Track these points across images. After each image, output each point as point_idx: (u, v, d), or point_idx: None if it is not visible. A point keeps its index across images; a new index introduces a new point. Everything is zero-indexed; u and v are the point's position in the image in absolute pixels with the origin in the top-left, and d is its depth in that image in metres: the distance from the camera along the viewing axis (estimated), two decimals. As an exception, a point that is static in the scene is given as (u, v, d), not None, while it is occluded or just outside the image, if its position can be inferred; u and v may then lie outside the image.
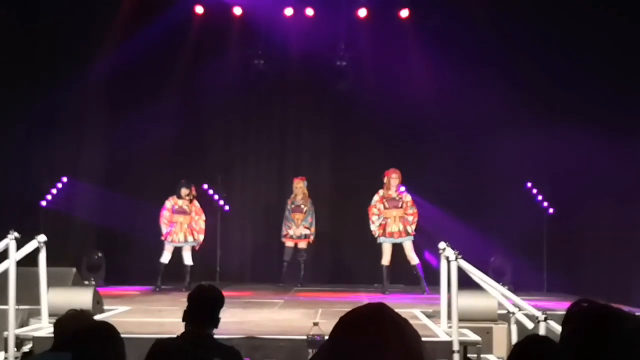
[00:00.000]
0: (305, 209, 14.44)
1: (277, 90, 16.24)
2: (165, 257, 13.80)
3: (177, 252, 13.93)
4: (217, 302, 4.98)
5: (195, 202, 14.01)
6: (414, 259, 13.27)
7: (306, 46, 15.60)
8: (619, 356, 1.99)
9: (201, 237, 13.97)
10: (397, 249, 13.47)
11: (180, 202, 13.84)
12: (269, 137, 16.17)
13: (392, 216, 13.37)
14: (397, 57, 15.40)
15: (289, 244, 14.48)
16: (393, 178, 13.42)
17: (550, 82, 14.38)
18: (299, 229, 14.40)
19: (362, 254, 15.05)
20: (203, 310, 4.90)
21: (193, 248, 13.96)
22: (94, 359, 3.89)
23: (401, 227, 13.32)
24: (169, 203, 13.84)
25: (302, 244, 14.48)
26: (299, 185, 14.47)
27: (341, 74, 15.80)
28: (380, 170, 13.86)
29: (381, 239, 13.42)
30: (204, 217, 14.03)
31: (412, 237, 13.35)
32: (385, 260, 13.38)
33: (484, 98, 14.67)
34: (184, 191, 13.82)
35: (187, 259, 13.86)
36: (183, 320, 4.90)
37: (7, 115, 13.95)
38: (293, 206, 14.46)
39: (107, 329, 4.05)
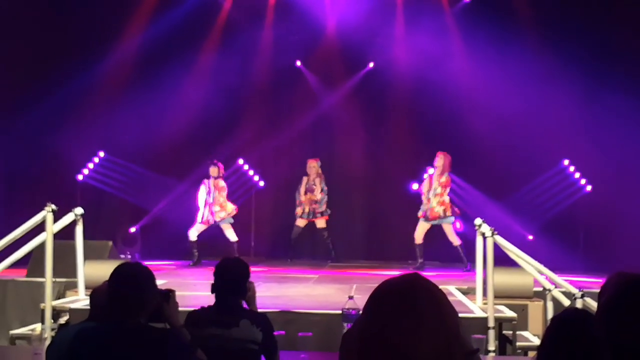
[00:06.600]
0: (317, 189, 14.39)
1: (312, 66, 16.18)
2: (192, 235, 13.77)
3: (220, 229, 13.94)
4: (243, 274, 5.05)
5: (220, 181, 13.93)
6: (455, 241, 13.18)
7: (341, 22, 15.53)
8: None
9: (230, 208, 13.90)
10: (438, 228, 13.38)
11: (211, 182, 13.80)
12: (303, 114, 16.09)
13: (429, 198, 13.22)
14: (432, 35, 15.24)
15: (300, 222, 14.44)
16: (437, 159, 13.22)
17: (589, 55, 14.14)
18: (307, 208, 14.37)
19: (395, 231, 14.99)
20: (229, 283, 4.99)
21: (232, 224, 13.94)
22: (128, 294, 4.01)
23: (439, 210, 13.15)
24: (204, 185, 13.82)
25: (321, 223, 14.44)
26: (313, 165, 14.43)
27: (376, 50, 15.74)
28: (412, 148, 13.81)
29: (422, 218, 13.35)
30: (224, 194, 13.91)
31: (450, 219, 13.20)
32: (417, 237, 13.32)
33: (520, 75, 14.48)
34: (211, 170, 13.82)
35: (231, 236, 13.89)
36: (212, 292, 5.00)
37: (45, 89, 14.03)
38: (308, 186, 14.41)
39: (141, 269, 4.17)
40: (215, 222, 13.78)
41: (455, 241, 13.14)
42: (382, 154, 15.77)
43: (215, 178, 13.80)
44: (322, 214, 14.37)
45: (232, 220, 13.93)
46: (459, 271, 12.75)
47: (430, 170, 13.39)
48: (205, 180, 13.82)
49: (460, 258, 13.12)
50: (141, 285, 4.05)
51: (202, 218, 13.74)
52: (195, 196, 13.87)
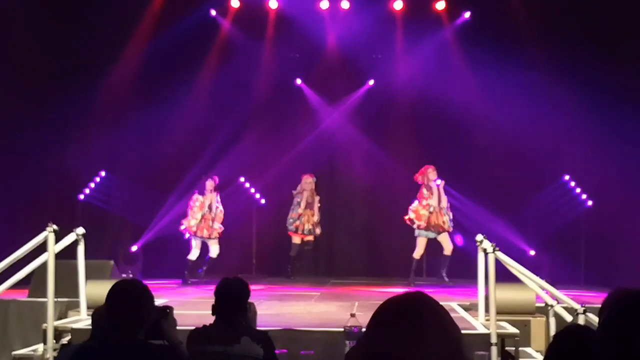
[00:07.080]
0: (314, 205, 14.47)
1: (312, 83, 16.22)
2: (194, 254, 13.78)
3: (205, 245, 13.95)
4: (243, 293, 5.06)
5: (217, 196, 13.97)
6: (450, 250, 13.43)
7: (341, 40, 15.59)
8: None
9: (218, 226, 13.89)
10: (433, 242, 13.50)
11: (209, 196, 13.80)
12: (304, 131, 16.10)
13: (441, 209, 13.39)
14: (432, 51, 15.31)
15: (297, 239, 14.47)
16: (429, 173, 13.45)
17: (589, 69, 14.14)
18: (309, 225, 14.43)
19: (397, 247, 14.99)
20: (231, 303, 5.01)
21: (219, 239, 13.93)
22: (126, 311, 4.02)
23: (448, 222, 13.41)
24: (199, 198, 13.80)
25: (309, 238, 14.54)
26: (309, 182, 14.47)
27: (376, 67, 15.83)
28: (413, 164, 13.87)
29: (417, 232, 13.46)
30: (221, 208, 13.96)
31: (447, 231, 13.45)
32: (417, 253, 13.45)
33: (520, 90, 14.53)
34: (208, 184, 13.81)
35: (214, 252, 13.86)
36: (213, 314, 5.02)
37: (46, 109, 14.03)
38: (306, 202, 14.45)
39: (139, 285, 4.19)
40: (209, 236, 13.74)
41: (450, 251, 13.28)
42: (383, 170, 15.76)
43: (217, 192, 13.83)
44: (315, 233, 14.49)
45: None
46: (456, 288, 12.76)
47: (438, 181, 13.51)
48: (208, 195, 13.79)
49: (442, 266, 13.43)
50: (139, 302, 4.05)
51: (203, 233, 13.70)
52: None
